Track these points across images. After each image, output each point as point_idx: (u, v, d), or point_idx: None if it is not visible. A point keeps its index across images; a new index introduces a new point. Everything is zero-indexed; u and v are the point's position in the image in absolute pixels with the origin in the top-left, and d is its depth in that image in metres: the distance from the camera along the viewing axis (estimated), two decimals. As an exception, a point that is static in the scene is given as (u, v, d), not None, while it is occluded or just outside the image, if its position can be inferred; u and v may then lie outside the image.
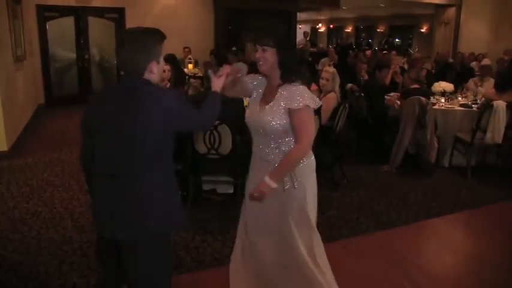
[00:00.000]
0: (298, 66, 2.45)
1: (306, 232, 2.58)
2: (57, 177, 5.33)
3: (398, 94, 6.44)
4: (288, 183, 2.44)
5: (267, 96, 2.47)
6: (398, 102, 5.87)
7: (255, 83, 2.59)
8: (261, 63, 2.41)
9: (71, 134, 7.45)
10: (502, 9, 13.17)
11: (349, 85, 6.38)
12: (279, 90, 2.40)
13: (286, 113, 2.36)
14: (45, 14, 9.90)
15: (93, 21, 10.48)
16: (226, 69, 2.47)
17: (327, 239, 3.85)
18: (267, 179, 2.35)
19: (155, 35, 2.04)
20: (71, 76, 10.60)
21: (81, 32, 10.43)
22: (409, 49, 16.02)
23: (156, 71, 2.03)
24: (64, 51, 10.40)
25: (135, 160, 2.00)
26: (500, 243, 3.99)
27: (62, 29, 10.27)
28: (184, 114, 2.08)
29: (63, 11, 10.19)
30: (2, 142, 6.08)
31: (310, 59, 10.60)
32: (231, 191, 4.63)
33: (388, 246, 3.85)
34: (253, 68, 2.77)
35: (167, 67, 5.38)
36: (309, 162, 2.53)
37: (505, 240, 4.05)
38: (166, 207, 2.10)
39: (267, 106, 2.42)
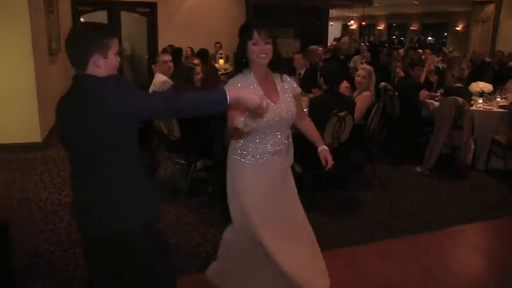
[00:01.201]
0: (280, 59, 2.54)
1: None
2: (89, 170, 5.39)
3: (432, 93, 6.30)
4: (287, 165, 2.63)
5: (268, 90, 2.44)
6: (434, 101, 5.72)
7: (239, 85, 2.43)
8: (263, 56, 2.39)
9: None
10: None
11: (383, 84, 6.25)
12: (278, 82, 2.52)
13: (293, 99, 2.54)
14: (79, 8, 10.06)
15: (125, 16, 10.59)
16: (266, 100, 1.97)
17: (357, 242, 3.80)
18: (323, 146, 2.71)
19: (97, 30, 1.98)
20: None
21: (114, 26, 10.53)
22: (443, 48, 15.63)
23: (103, 65, 1.94)
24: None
25: (93, 156, 1.95)
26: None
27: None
28: (138, 101, 1.89)
29: (96, 5, 10.35)
30: (36, 134, 6.18)
31: (342, 57, 10.43)
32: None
33: (422, 251, 3.73)
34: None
35: (168, 57, 5.44)
36: None
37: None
38: (131, 202, 2.03)
39: (279, 99, 2.47)
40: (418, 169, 5.57)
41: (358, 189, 4.91)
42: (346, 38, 14.71)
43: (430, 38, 22.66)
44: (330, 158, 2.65)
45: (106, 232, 2.00)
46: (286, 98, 2.49)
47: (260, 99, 1.91)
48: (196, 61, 5.50)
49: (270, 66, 2.48)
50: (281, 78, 2.54)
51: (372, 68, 5.40)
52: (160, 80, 5.17)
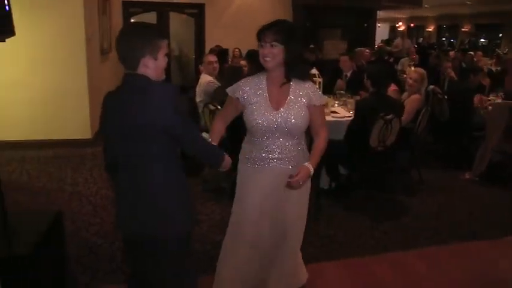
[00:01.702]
0: (302, 64, 2.45)
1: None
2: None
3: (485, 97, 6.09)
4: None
5: (276, 95, 2.40)
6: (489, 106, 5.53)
7: (251, 91, 2.44)
8: (268, 59, 2.31)
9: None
10: None
11: (431, 87, 6.10)
12: (292, 87, 2.40)
13: (306, 109, 2.39)
14: (129, 9, 10.35)
15: (173, 17, 10.79)
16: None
17: (401, 247, 3.74)
18: (308, 164, 2.36)
19: (148, 31, 2.00)
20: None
21: (162, 27, 10.77)
22: (497, 49, 15.03)
23: (153, 67, 1.97)
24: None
25: (137, 157, 1.98)
26: None
27: (145, 23, 10.67)
28: (180, 126, 1.97)
29: (146, 7, 10.59)
30: (87, 130, 6.42)
31: (391, 59, 10.24)
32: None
33: (470, 260, 3.61)
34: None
35: (214, 58, 5.48)
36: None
37: None
38: (179, 207, 2.07)
39: (284, 105, 2.38)
40: (467, 175, 5.40)
41: (404, 193, 4.81)
42: (398, 40, 14.33)
43: (482, 40, 21.90)
44: (300, 178, 2.30)
45: (152, 235, 2.05)
46: (293, 106, 2.37)
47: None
48: (243, 62, 5.54)
49: (286, 70, 2.38)
50: (297, 84, 2.41)
51: (425, 72, 5.26)
52: (205, 80, 5.25)
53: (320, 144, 2.49)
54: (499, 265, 3.59)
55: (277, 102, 2.38)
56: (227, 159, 2.26)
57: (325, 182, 4.76)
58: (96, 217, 4.12)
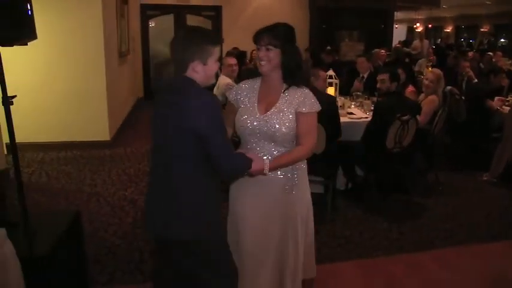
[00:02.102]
0: (300, 69, 2.31)
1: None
2: (153, 168, 5.60)
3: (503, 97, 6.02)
4: (287, 187, 2.34)
5: (267, 99, 2.33)
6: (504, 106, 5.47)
7: (244, 93, 2.39)
8: (263, 63, 2.25)
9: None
10: None
11: (449, 87, 6.05)
12: (285, 92, 2.30)
13: (294, 116, 2.27)
14: (147, 12, 10.49)
15: (191, 19, 10.88)
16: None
17: (416, 248, 3.73)
18: (267, 159, 2.23)
19: (200, 36, 2.01)
20: (169, 71, 11.11)
21: (179, 29, 10.85)
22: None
23: (201, 71, 1.99)
24: (163, 47, 10.92)
25: (169, 157, 2.00)
26: None
27: (163, 26, 10.80)
28: (214, 141, 1.95)
29: (164, 9, 10.71)
30: (105, 132, 6.51)
31: (407, 60, 10.16)
32: (322, 191, 4.57)
33: (485, 261, 3.58)
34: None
35: (234, 61, 5.51)
36: (306, 167, 2.45)
37: None
38: (216, 209, 2.11)
39: (271, 110, 2.29)
40: (484, 177, 5.34)
41: (420, 195, 4.78)
42: (417, 42, 14.17)
43: (502, 40, 21.57)
44: (252, 169, 2.16)
45: (188, 237, 2.05)
46: (279, 111, 2.27)
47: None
48: (232, 60, 5.57)
49: (283, 74, 2.29)
50: (291, 90, 2.30)
51: (441, 73, 5.22)
52: (224, 82, 5.29)
53: (295, 152, 2.30)
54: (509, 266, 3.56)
55: (266, 107, 2.31)
56: (256, 164, 2.16)
57: (341, 182, 4.77)
58: (114, 217, 4.18)
